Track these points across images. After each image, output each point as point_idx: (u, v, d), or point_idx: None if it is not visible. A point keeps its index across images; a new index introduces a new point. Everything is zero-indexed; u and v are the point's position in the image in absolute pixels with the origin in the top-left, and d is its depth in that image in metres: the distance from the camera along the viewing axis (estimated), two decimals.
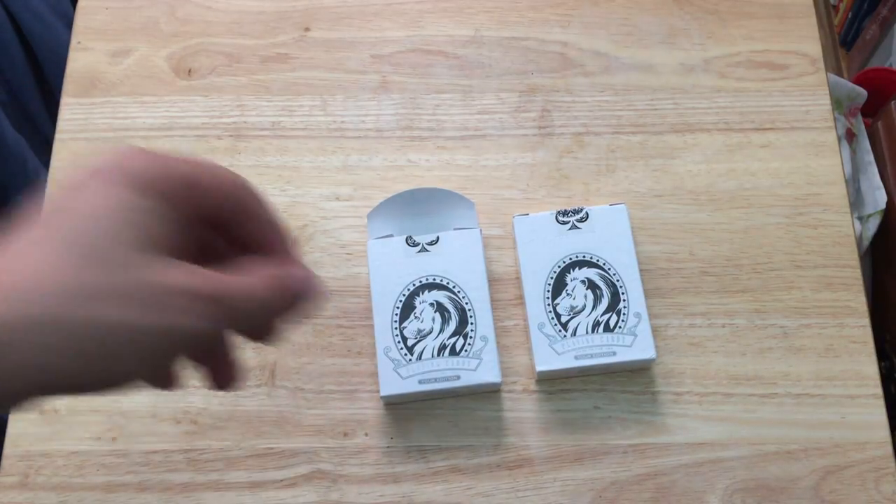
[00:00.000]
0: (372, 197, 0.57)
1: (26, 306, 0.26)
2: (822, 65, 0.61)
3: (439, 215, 0.53)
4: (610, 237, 0.53)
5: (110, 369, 0.29)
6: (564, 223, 0.53)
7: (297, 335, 0.54)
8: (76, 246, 0.28)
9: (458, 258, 0.52)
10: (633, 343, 0.50)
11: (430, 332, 0.50)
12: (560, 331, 0.50)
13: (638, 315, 0.51)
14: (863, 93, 1.09)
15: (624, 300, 0.51)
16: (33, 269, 0.27)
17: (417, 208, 0.53)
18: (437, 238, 0.52)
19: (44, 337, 0.26)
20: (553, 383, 0.52)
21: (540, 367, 0.50)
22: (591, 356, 0.50)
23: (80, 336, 0.27)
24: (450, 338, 0.50)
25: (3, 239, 0.29)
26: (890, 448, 0.51)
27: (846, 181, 0.58)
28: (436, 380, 0.49)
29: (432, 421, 0.52)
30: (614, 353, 0.50)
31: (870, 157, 1.03)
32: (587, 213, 0.53)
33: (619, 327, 0.50)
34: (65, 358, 0.27)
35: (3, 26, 0.87)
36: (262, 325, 0.33)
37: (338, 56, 0.62)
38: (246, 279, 0.32)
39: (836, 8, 1.37)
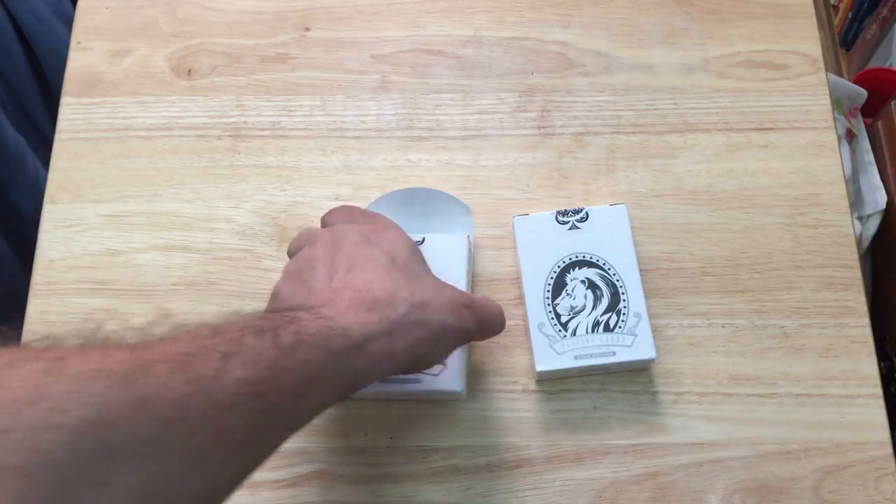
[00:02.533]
0: (372, 197, 0.57)
1: (394, 312, 0.39)
2: (822, 65, 0.61)
3: (434, 217, 0.53)
4: (610, 237, 0.53)
5: (440, 353, 0.43)
6: (564, 223, 0.53)
7: None
8: (402, 270, 0.42)
9: (441, 262, 0.51)
10: (633, 343, 0.50)
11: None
12: (560, 331, 0.50)
13: (638, 315, 0.51)
14: (863, 93, 1.09)
15: (624, 300, 0.51)
16: (381, 286, 0.40)
17: (415, 208, 0.53)
18: (423, 239, 0.52)
19: (416, 331, 0.40)
20: (553, 383, 0.52)
21: (540, 367, 0.50)
22: (591, 356, 0.50)
23: (434, 331, 0.41)
24: None
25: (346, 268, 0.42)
26: (890, 448, 0.51)
27: (846, 181, 0.58)
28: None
29: (432, 421, 0.52)
30: (614, 353, 0.50)
31: (870, 157, 1.03)
32: (587, 213, 0.53)
33: (619, 327, 0.50)
34: (424, 345, 0.40)
35: (3, 26, 0.87)
36: (493, 331, 0.46)
37: (338, 56, 0.62)
38: (488, 300, 0.45)
39: (836, 8, 1.37)
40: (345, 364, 0.37)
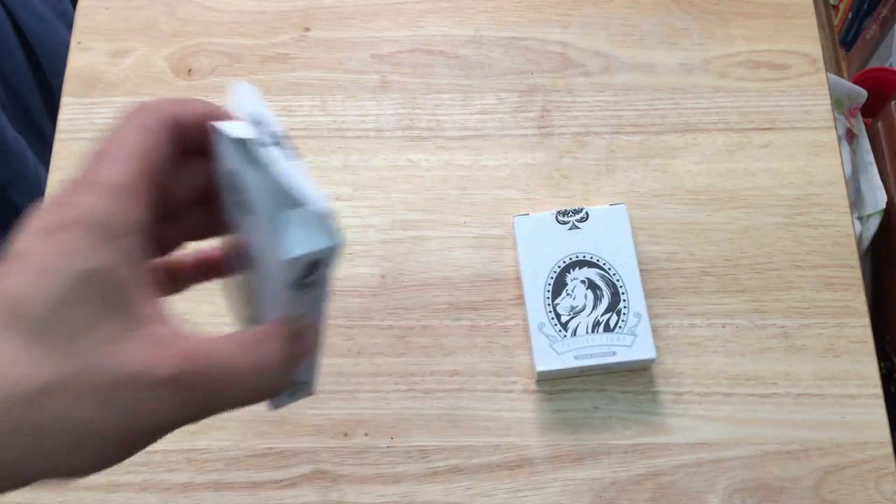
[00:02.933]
0: (372, 197, 0.57)
1: None
2: (822, 65, 0.61)
3: None
4: (610, 237, 0.53)
5: (84, 462, 0.25)
6: (564, 223, 0.53)
7: None
8: (29, 330, 0.23)
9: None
10: (633, 343, 0.50)
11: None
12: (560, 331, 0.50)
13: (638, 315, 0.51)
14: (863, 93, 1.09)
15: (624, 300, 0.51)
16: None
17: None
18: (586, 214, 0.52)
19: (6, 442, 0.23)
20: (553, 383, 0.52)
21: (540, 367, 0.50)
22: (591, 356, 0.50)
23: (45, 438, 0.23)
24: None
25: None
26: (890, 448, 0.51)
27: (846, 181, 0.58)
28: None
29: (432, 421, 0.52)
30: (614, 353, 0.50)
31: (870, 157, 1.03)
32: (587, 213, 0.53)
33: (619, 327, 0.50)
34: (32, 460, 0.23)
35: (3, 26, 0.87)
36: (266, 396, 0.27)
37: (338, 56, 0.62)
38: (242, 344, 0.26)
39: (836, 8, 1.37)
40: None
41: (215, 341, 0.25)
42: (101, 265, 0.24)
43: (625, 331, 0.50)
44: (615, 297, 0.51)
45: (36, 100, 0.94)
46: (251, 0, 0.64)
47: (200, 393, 0.25)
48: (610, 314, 0.51)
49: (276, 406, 0.31)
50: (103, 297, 0.24)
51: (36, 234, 0.24)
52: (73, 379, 0.23)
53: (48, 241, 0.24)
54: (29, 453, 0.23)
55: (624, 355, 0.50)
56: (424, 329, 0.54)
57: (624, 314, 0.51)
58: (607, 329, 0.50)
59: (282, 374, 0.27)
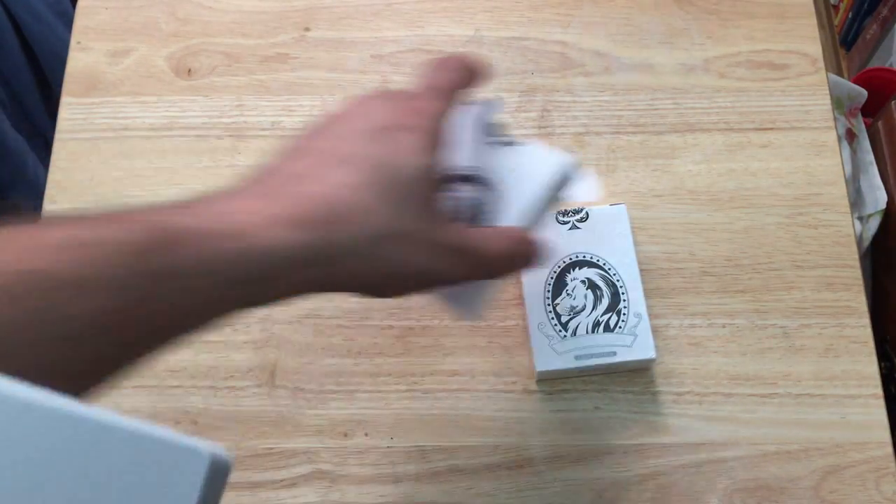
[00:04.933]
0: None
1: (342, 234, 0.33)
2: (822, 65, 0.61)
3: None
4: (610, 237, 0.53)
5: (400, 290, 0.37)
6: (564, 223, 0.53)
7: (298, 335, 0.54)
8: (392, 186, 0.34)
9: (519, 174, 0.43)
10: (634, 343, 0.50)
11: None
12: (560, 331, 0.50)
13: (638, 315, 0.51)
14: (863, 93, 1.09)
15: (624, 300, 0.51)
16: (344, 196, 0.34)
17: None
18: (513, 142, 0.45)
19: (363, 266, 0.34)
20: (553, 383, 0.52)
21: (540, 368, 0.50)
22: (592, 356, 0.50)
23: (392, 270, 0.35)
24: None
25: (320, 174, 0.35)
26: (890, 448, 0.51)
27: (846, 181, 0.58)
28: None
29: (432, 421, 0.52)
30: (614, 354, 0.50)
31: (870, 157, 1.03)
32: (587, 213, 0.53)
33: (620, 327, 0.50)
34: (376, 279, 0.35)
35: (3, 26, 0.88)
36: (497, 273, 0.40)
37: (338, 56, 0.62)
38: (492, 237, 0.38)
39: (836, 8, 1.37)
40: (254, 290, 0.32)
41: (480, 231, 0.39)
42: (431, 163, 0.36)
43: (625, 331, 0.50)
44: (615, 297, 0.51)
45: (36, 100, 0.94)
46: (251, 0, 0.64)
47: (473, 261, 0.37)
48: (610, 314, 0.51)
49: (472, 314, 0.42)
50: (430, 184, 0.36)
51: (372, 134, 0.36)
52: (418, 232, 0.35)
53: (390, 140, 0.35)
54: (371, 276, 0.35)
55: (624, 355, 0.50)
56: (424, 329, 0.54)
57: (624, 314, 0.51)
58: (607, 329, 0.50)
59: (522, 255, 0.39)
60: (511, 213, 0.41)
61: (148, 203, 0.33)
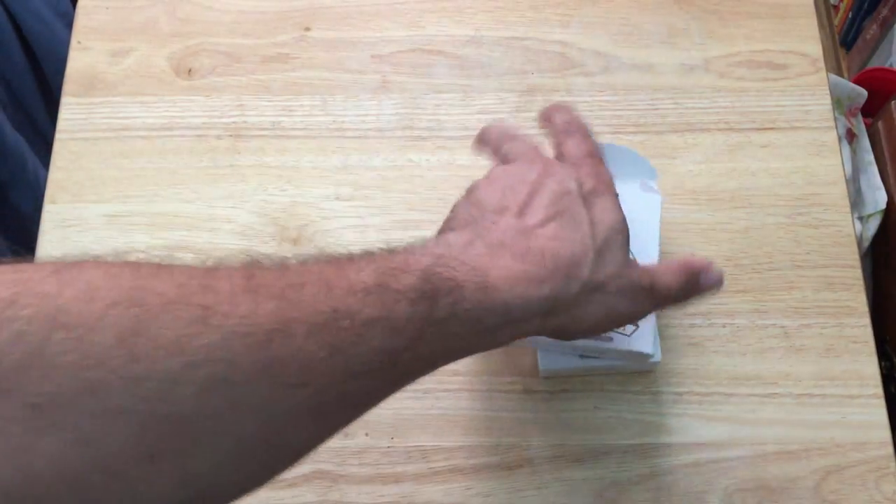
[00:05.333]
0: (372, 197, 0.57)
1: (566, 289, 0.37)
2: (822, 65, 0.61)
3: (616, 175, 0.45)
4: (634, 227, 0.43)
5: (594, 330, 0.40)
6: None
7: None
8: (599, 242, 0.39)
9: (632, 220, 0.43)
10: (634, 334, 0.48)
11: None
12: None
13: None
14: (863, 93, 1.09)
15: None
16: (568, 254, 0.37)
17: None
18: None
19: (576, 311, 0.38)
20: (553, 383, 0.52)
21: (544, 366, 0.50)
22: (595, 358, 0.50)
23: (598, 313, 0.38)
24: None
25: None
26: (890, 448, 0.51)
27: (846, 181, 0.58)
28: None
29: (432, 421, 0.52)
30: (611, 340, 0.47)
31: (870, 157, 1.03)
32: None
33: (624, 328, 0.50)
34: (579, 323, 0.38)
35: (3, 26, 0.87)
36: (677, 302, 0.43)
37: (338, 56, 0.62)
38: (666, 271, 0.41)
39: (836, 8, 1.37)
40: (491, 338, 0.36)
41: (655, 267, 0.42)
42: (623, 219, 0.40)
43: (628, 332, 0.49)
44: None
45: (36, 100, 0.94)
46: (251, 0, 0.64)
47: (660, 297, 0.41)
48: None
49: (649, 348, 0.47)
50: (625, 236, 0.40)
51: (577, 197, 0.40)
52: (618, 279, 0.39)
53: (593, 202, 0.40)
54: (577, 321, 0.38)
55: (621, 344, 0.47)
56: None
57: None
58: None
59: (687, 288, 0.42)
60: (642, 252, 0.47)
61: (413, 246, 0.36)
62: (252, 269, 0.31)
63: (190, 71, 0.62)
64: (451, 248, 0.36)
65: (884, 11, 1.21)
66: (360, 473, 0.51)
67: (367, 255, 0.34)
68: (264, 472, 0.31)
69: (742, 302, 0.54)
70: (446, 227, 0.40)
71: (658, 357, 0.49)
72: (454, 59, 0.62)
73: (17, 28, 0.89)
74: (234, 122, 0.60)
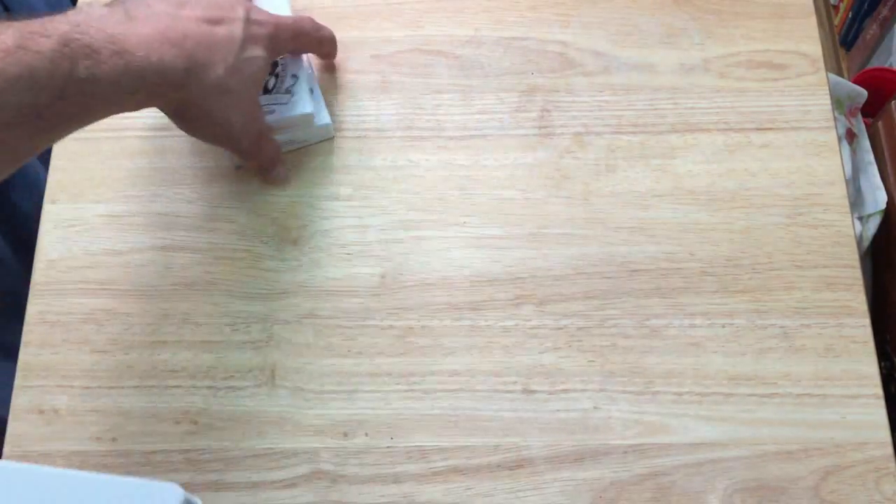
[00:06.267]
0: (372, 197, 0.57)
1: (203, 73, 0.45)
2: (822, 65, 0.61)
3: None
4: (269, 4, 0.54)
5: (216, 139, 0.52)
6: None
7: (298, 335, 0.54)
8: (246, 69, 0.48)
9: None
10: (290, 101, 0.54)
11: None
12: None
13: (295, 77, 0.55)
14: (863, 93, 1.09)
15: (281, 61, 0.56)
16: (219, 58, 0.46)
17: None
18: None
19: (204, 100, 0.47)
20: (553, 383, 0.52)
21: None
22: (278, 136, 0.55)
23: (218, 115, 0.48)
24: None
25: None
26: (890, 448, 0.51)
27: (846, 181, 0.58)
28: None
29: (432, 421, 0.52)
30: (273, 112, 0.54)
31: (870, 157, 1.03)
32: None
33: (276, 88, 0.55)
34: (206, 115, 0.48)
35: None
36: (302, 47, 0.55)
37: (338, 56, 0.62)
38: (272, 148, 0.54)
39: (836, 8, 1.37)
40: (130, 99, 0.43)
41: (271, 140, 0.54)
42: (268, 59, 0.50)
43: (282, 90, 0.54)
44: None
45: None
46: None
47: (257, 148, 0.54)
48: (269, 77, 0.55)
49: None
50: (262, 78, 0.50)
51: (241, 20, 0.48)
52: (248, 103, 0.49)
53: (251, 34, 0.49)
54: (191, 102, 0.47)
55: (283, 112, 0.54)
56: (424, 329, 0.54)
57: (281, 77, 0.55)
58: (265, 91, 0.54)
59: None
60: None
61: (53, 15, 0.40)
62: None
63: None
64: (90, 17, 0.41)
65: (884, 11, 1.21)
66: (360, 473, 0.51)
67: (8, 21, 0.38)
68: None
69: (742, 302, 0.54)
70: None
71: (326, 120, 0.56)
72: (454, 60, 0.62)
73: None
74: None
